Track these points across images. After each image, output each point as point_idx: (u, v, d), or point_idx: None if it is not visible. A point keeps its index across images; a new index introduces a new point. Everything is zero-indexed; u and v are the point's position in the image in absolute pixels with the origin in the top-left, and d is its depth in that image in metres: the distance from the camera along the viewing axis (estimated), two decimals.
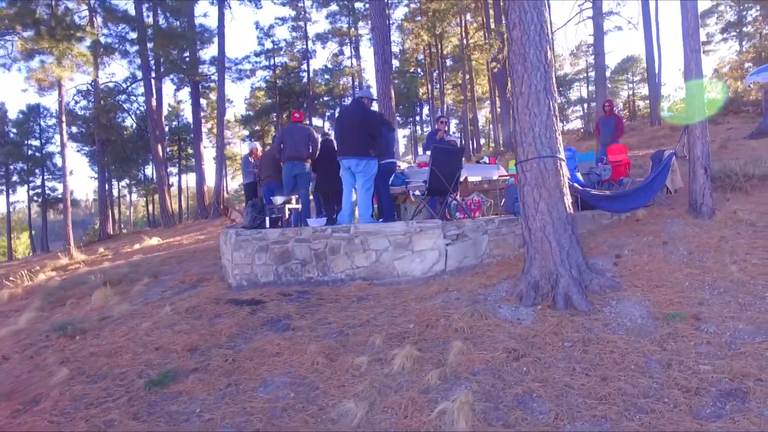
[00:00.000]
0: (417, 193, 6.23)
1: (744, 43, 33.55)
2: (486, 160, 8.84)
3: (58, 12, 12.57)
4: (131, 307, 6.61)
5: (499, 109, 24.79)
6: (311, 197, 8.50)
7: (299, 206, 7.00)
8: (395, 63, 32.79)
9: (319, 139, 7.31)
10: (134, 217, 46.39)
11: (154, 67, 21.36)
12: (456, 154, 6.08)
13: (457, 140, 7.67)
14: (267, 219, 6.74)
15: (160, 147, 20.55)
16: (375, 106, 6.98)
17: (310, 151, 7.11)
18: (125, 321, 5.92)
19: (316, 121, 30.23)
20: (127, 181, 31.46)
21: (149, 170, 32.14)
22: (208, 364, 4.29)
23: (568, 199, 4.55)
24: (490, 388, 3.22)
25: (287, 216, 6.64)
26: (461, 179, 7.39)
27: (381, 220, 6.92)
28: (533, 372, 3.34)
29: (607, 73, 45.79)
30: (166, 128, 30.83)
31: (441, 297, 4.85)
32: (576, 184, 5.53)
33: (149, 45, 21.01)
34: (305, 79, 27.45)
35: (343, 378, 3.70)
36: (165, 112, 31.97)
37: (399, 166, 8.13)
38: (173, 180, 35.29)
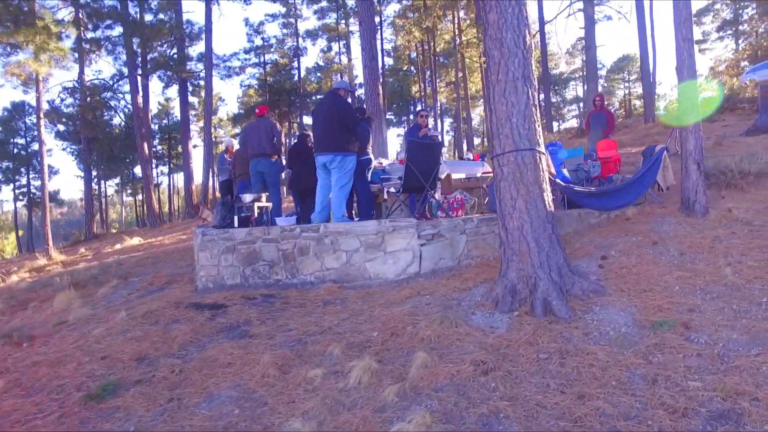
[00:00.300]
0: (392, 190, 5.85)
1: (740, 41, 33.31)
2: (470, 156, 8.47)
3: (35, 4, 12.15)
4: (91, 311, 6.22)
5: None
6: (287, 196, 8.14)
7: (270, 204, 6.62)
8: (389, 61, 32.42)
9: (283, 133, 6.92)
10: (127, 217, 45.93)
11: (140, 64, 20.93)
12: (433, 149, 5.71)
13: (438, 135, 7.30)
14: (236, 218, 6.35)
15: (146, 145, 20.13)
16: (362, 100, 6.60)
17: (275, 145, 6.70)
18: (80, 326, 5.54)
19: (308, 120, 29.81)
20: (117, 180, 30.96)
21: (139, 169, 31.66)
22: (154, 375, 3.91)
23: (548, 196, 4.18)
24: (453, 407, 2.85)
25: (256, 215, 6.25)
26: (442, 176, 7.03)
27: (358, 219, 6.56)
28: (502, 388, 2.97)
29: (603, 72, 45.75)
30: (156, 126, 30.45)
31: (411, 302, 4.47)
32: (559, 180, 5.16)
33: (137, 41, 20.61)
34: (296, 77, 27.05)
35: (294, 393, 3.32)
36: (155, 111, 31.60)
37: (381, 162, 7.77)
38: (164, 179, 34.90)
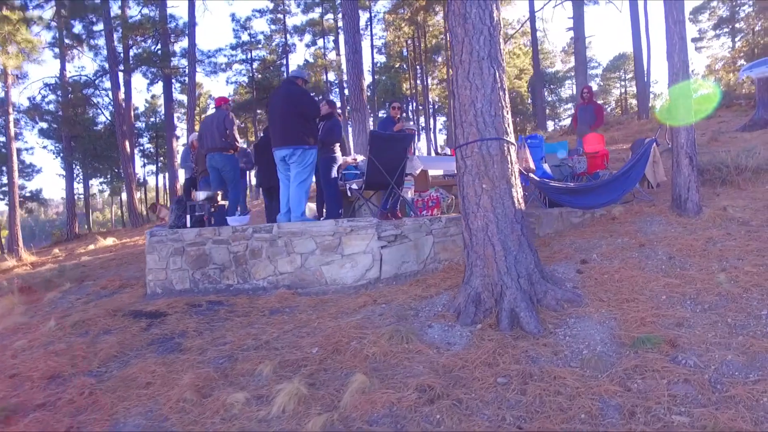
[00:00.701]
0: (354, 187, 5.32)
1: (737, 39, 32.90)
2: (447, 151, 7.94)
3: None
4: (26, 319, 5.69)
5: None
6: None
7: (226, 202, 6.08)
8: (381, 59, 31.90)
9: (237, 125, 6.36)
10: (116, 217, 45.28)
11: (122, 60, 20.35)
12: (398, 141, 5.18)
13: (414, 129, 6.77)
14: (188, 217, 5.81)
15: (128, 143, 19.55)
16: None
17: (228, 139, 6.14)
18: (5, 337, 5.00)
19: None
20: (100, 179, 30.28)
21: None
22: (60, 397, 3.37)
23: (517, 192, 3.66)
24: None
25: (208, 214, 5.71)
26: (416, 172, 6.50)
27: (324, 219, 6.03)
28: (448, 421, 2.45)
29: (599, 71, 45.35)
30: (143, 124, 29.85)
31: (365, 311, 3.95)
32: (533, 176, 4.64)
33: (118, 36, 20.06)
34: (285, 74, 26.44)
35: (209, 422, 2.80)
36: (142, 108, 30.99)
37: (355, 159, 7.24)
38: (151, 178, 34.27)
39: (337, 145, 5.82)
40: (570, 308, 3.47)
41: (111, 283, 7.10)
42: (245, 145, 9.33)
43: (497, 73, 3.67)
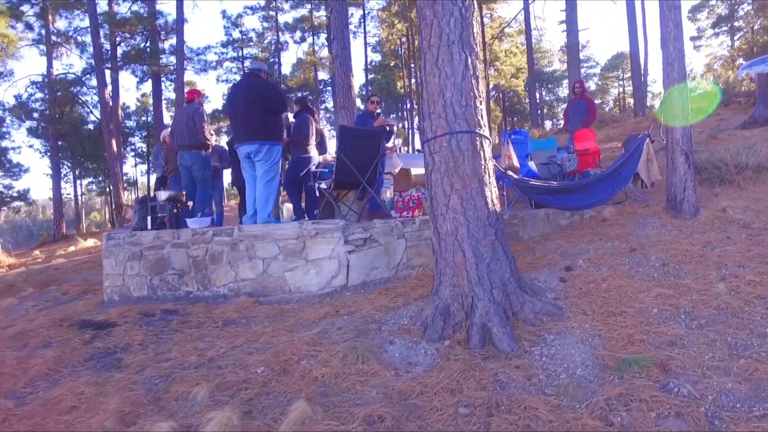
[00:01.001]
0: (323, 186, 4.93)
1: (735, 38, 32.54)
2: None
3: None
4: None
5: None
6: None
7: (191, 203, 5.68)
8: (376, 57, 31.50)
9: (207, 120, 5.94)
10: (109, 217, 44.82)
11: (110, 57, 19.93)
12: (371, 137, 4.79)
13: (395, 125, 6.38)
14: (149, 219, 5.42)
15: (114, 142, 19.12)
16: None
17: (198, 136, 5.74)
18: None
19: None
20: (89, 179, 29.80)
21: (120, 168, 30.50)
22: None
23: (492, 192, 3.27)
24: None
25: (170, 216, 5.31)
26: (396, 170, 6.12)
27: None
28: None
29: (597, 71, 44.98)
30: (134, 123, 29.44)
31: (324, 324, 3.56)
32: (512, 173, 4.24)
33: (105, 33, 19.66)
34: (277, 72, 26.03)
35: None
36: (133, 107, 30.57)
37: (334, 157, 6.84)
38: (143, 179, 33.83)
39: (312, 143, 5.44)
40: (550, 323, 3.08)
41: (74, 289, 6.71)
42: (222, 143, 8.91)
43: (469, 59, 3.27)
